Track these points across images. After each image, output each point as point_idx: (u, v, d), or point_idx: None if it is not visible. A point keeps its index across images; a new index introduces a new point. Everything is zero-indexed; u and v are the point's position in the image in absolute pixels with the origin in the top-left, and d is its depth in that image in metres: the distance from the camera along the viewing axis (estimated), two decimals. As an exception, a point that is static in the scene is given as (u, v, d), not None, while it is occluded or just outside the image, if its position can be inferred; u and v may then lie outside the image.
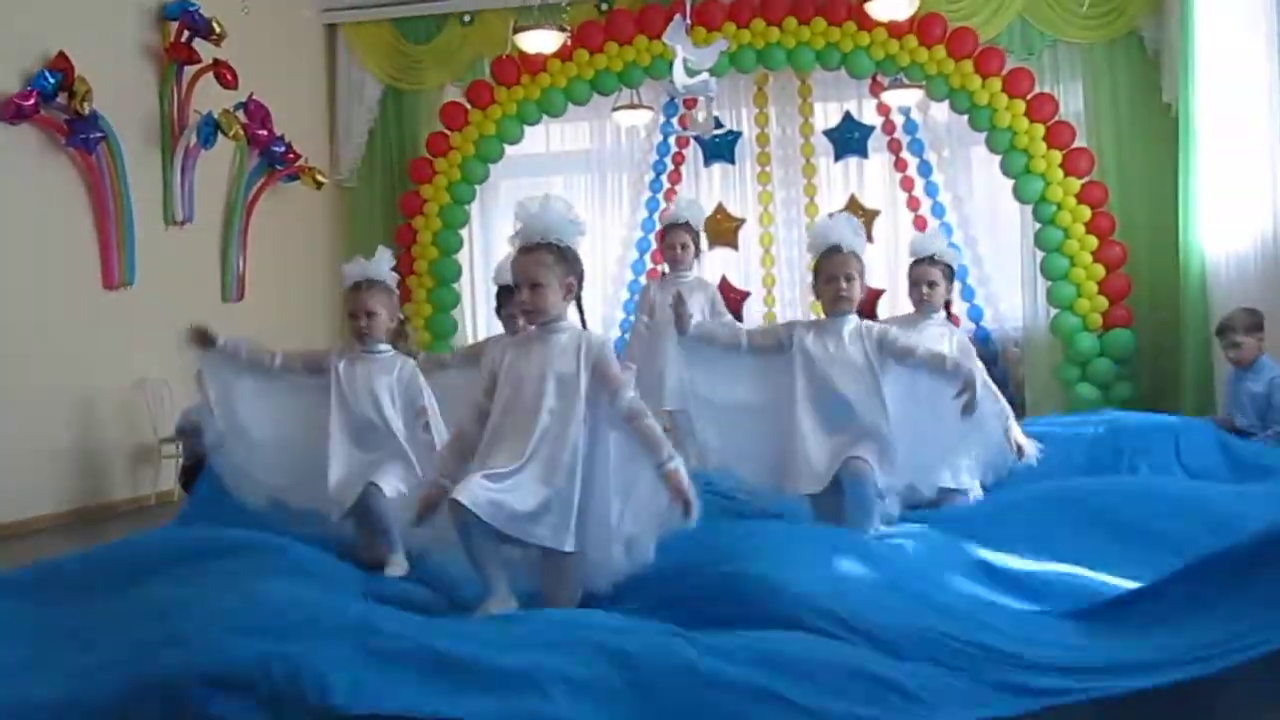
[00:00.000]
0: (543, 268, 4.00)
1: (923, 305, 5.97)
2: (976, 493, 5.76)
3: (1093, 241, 10.33)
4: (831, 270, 5.11)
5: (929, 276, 5.96)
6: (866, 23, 10.35)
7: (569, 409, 3.92)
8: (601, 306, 11.53)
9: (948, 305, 6.12)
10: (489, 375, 4.14)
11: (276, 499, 5.16)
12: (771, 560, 3.89)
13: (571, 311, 4.13)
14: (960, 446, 5.34)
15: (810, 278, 5.56)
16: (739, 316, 10.74)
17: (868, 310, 10.23)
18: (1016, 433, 5.91)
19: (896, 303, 11.36)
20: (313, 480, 5.06)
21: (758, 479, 5.12)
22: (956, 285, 10.24)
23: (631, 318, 8.80)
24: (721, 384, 5.17)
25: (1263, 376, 7.04)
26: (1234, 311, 7.39)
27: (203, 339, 5.11)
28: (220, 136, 9.63)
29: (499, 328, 6.29)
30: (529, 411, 3.93)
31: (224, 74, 9.59)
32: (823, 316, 5.25)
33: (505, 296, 5.96)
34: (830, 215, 5.72)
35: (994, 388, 6.00)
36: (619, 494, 3.95)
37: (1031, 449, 5.89)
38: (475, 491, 3.75)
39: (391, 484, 4.94)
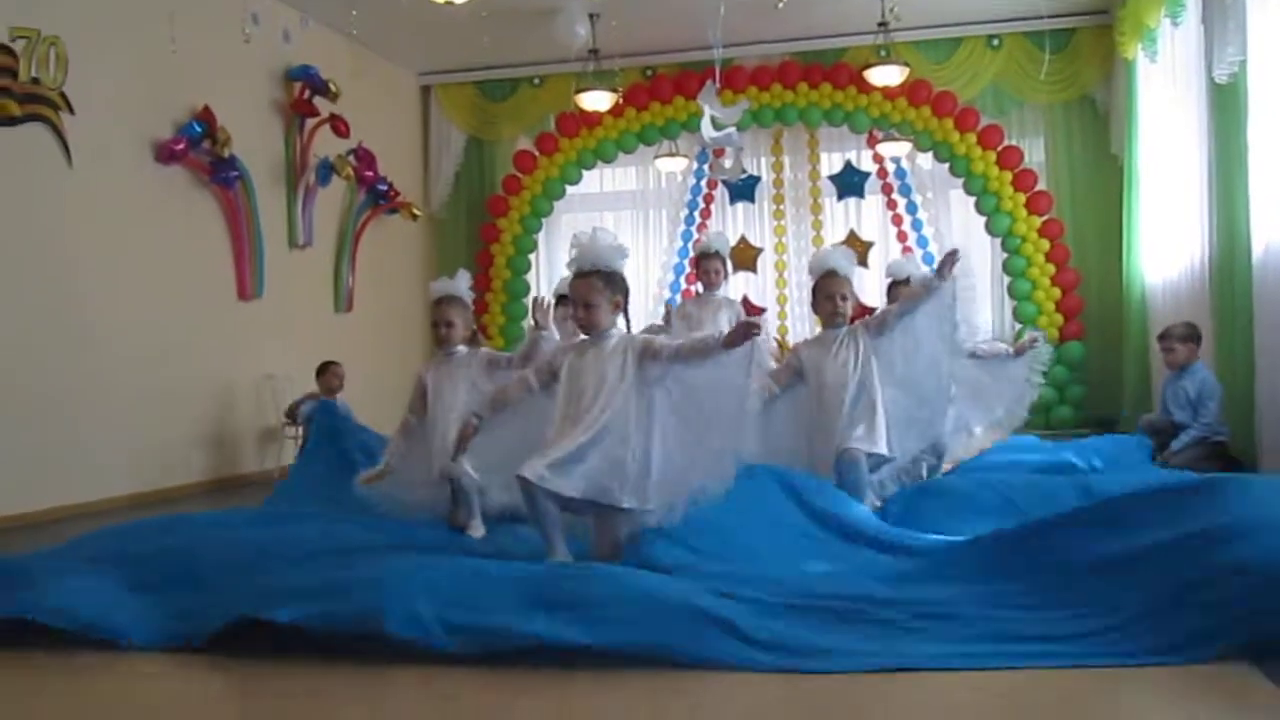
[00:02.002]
0: (594, 291, 4.04)
1: None
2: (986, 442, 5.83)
3: (1051, 268, 10.29)
4: (829, 290, 5.19)
5: None
6: (865, 87, 10.35)
7: (619, 397, 3.93)
8: (645, 319, 11.50)
9: None
10: (548, 366, 4.18)
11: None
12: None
13: (621, 320, 4.15)
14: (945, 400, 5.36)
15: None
16: (757, 328, 10.72)
17: (863, 323, 10.21)
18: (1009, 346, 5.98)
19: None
20: (423, 483, 5.16)
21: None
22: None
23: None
24: (774, 428, 5.17)
25: (1195, 379, 6.99)
26: (1176, 323, 7.34)
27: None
28: (335, 176, 9.71)
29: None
30: (586, 401, 3.95)
31: (338, 126, 9.66)
32: (820, 329, 5.33)
33: (562, 304, 6.03)
34: (829, 246, 5.79)
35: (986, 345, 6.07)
36: (668, 457, 3.94)
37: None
38: (538, 468, 3.77)
39: (470, 461, 4.97)
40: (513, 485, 3.90)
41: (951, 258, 5.03)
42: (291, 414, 8.63)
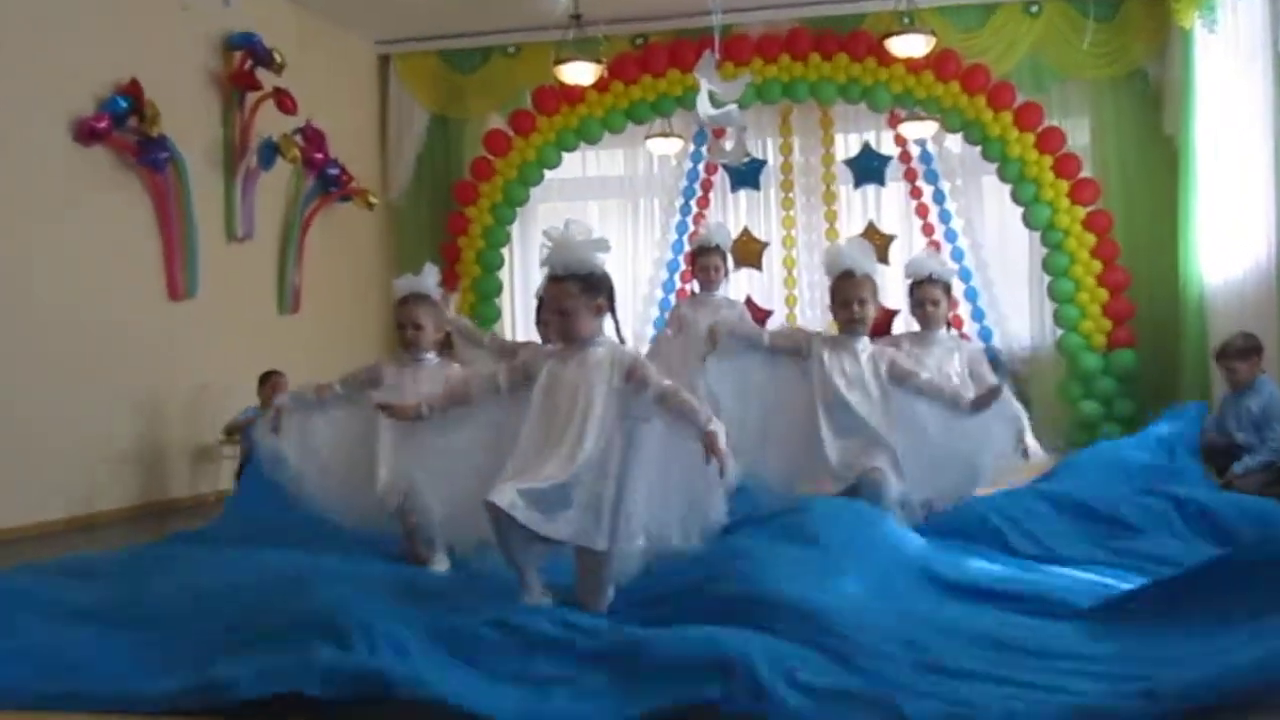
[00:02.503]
0: (570, 298, 4.00)
1: (927, 322, 5.99)
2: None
3: (1097, 266, 10.31)
4: (845, 294, 5.17)
5: (932, 295, 5.96)
6: (886, 59, 10.35)
7: (603, 417, 3.91)
8: (634, 323, 11.50)
9: (950, 321, 6.14)
10: (522, 369, 4.15)
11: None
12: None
13: (608, 324, 4.12)
14: (965, 460, 5.34)
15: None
16: (762, 333, 10.73)
17: (884, 329, 10.22)
18: (1028, 437, 5.87)
19: (912, 323, 11.34)
20: (365, 492, 5.09)
21: (780, 480, 5.12)
22: (967, 305, 10.27)
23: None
24: (747, 395, 5.19)
25: (1261, 395, 7.01)
26: (1231, 337, 7.33)
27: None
28: (279, 159, 9.71)
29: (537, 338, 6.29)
30: (565, 420, 3.92)
31: (284, 101, 9.65)
32: (837, 334, 5.32)
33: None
34: (844, 241, 5.77)
35: (1009, 394, 6.01)
36: (650, 494, 3.92)
37: (1039, 453, 5.85)
38: (509, 494, 3.75)
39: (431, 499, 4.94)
40: (480, 516, 3.88)
41: (991, 395, 4.99)
42: (231, 432, 8.64)
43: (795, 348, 5.27)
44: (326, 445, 5.25)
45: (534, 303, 6.33)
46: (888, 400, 5.09)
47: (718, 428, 3.78)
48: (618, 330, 4.15)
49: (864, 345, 5.19)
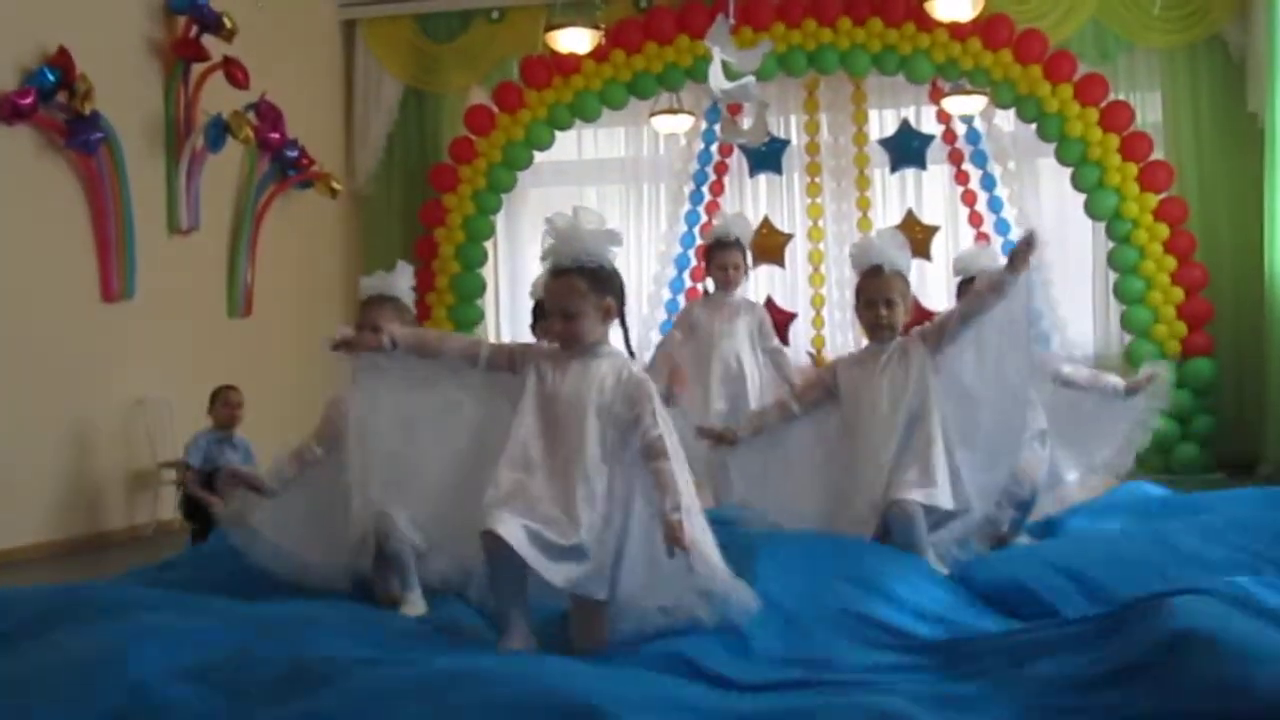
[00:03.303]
0: (576, 295, 3.94)
1: None
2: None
3: (1171, 262, 10.31)
4: (871, 294, 5.11)
5: None
6: (927, 23, 10.38)
7: (607, 444, 3.89)
8: (637, 328, 11.45)
9: None
10: (507, 354, 4.11)
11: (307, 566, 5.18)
12: None
13: (616, 331, 4.08)
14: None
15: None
16: (785, 340, 10.72)
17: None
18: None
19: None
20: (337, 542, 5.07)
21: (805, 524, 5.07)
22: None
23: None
24: (774, 461, 5.17)
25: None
26: None
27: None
28: (229, 139, 9.70)
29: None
30: (565, 444, 3.88)
31: (234, 73, 9.65)
32: (865, 343, 5.30)
33: (541, 312, 5.93)
34: (877, 232, 5.74)
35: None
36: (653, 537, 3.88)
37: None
38: (514, 527, 3.70)
39: (404, 512, 4.91)
40: (459, 542, 3.86)
41: (1027, 245, 4.92)
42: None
43: (826, 393, 5.23)
44: (305, 510, 5.22)
45: (524, 304, 6.32)
46: (926, 393, 5.01)
47: (681, 518, 3.69)
48: (627, 342, 4.11)
49: (891, 347, 5.14)
